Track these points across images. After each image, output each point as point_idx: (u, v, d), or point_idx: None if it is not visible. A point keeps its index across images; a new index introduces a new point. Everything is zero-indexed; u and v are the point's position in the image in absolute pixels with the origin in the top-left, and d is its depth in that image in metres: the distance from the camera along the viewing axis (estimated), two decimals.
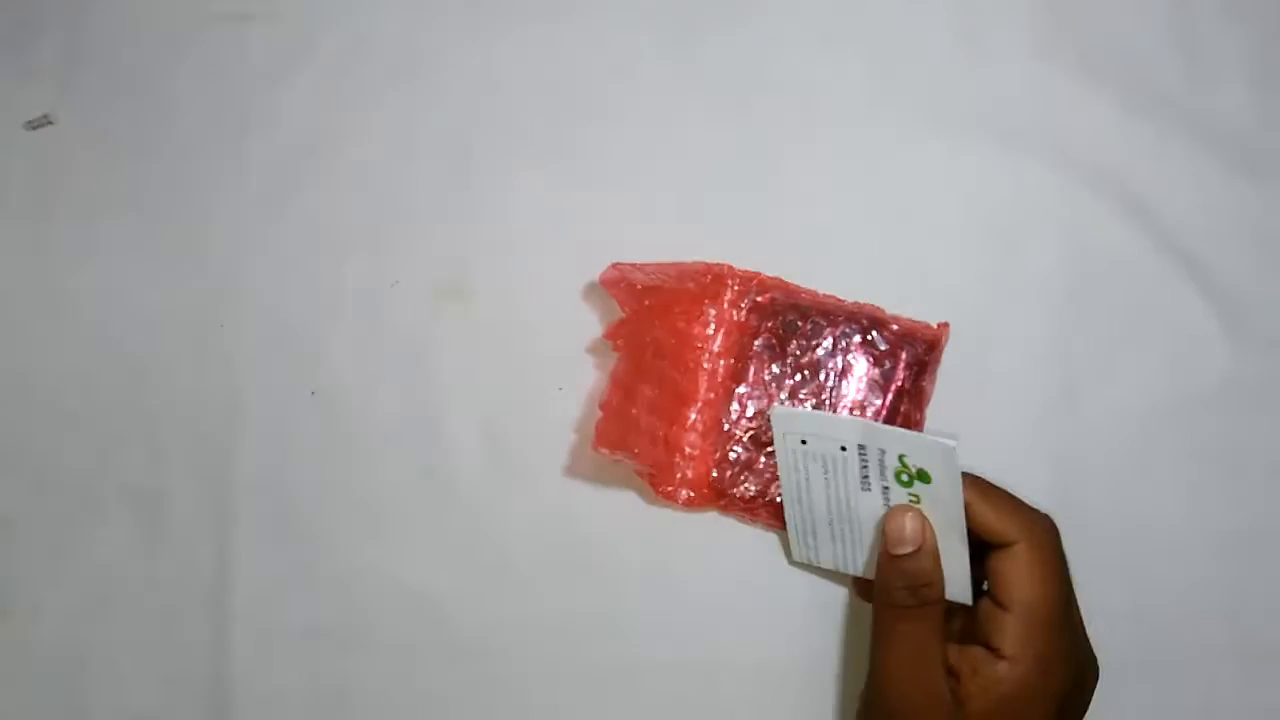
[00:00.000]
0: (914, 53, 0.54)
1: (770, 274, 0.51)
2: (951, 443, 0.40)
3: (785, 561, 0.50)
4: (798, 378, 0.49)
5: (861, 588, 0.48)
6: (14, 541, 0.52)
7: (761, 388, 0.49)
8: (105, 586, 0.52)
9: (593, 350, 0.52)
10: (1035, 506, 0.43)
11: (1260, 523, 0.51)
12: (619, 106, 0.54)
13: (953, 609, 0.43)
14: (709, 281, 0.49)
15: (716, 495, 0.49)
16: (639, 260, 0.50)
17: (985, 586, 0.43)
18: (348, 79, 0.55)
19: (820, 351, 0.49)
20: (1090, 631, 0.44)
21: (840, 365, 0.49)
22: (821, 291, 0.50)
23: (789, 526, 0.47)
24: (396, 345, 0.53)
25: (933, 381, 0.49)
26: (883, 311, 0.50)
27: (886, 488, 0.43)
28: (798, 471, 0.45)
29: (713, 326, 0.50)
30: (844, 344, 0.49)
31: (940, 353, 0.49)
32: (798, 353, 0.49)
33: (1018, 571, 0.40)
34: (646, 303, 0.49)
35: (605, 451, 0.48)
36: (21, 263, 0.54)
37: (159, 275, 0.54)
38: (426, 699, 0.50)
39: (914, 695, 0.40)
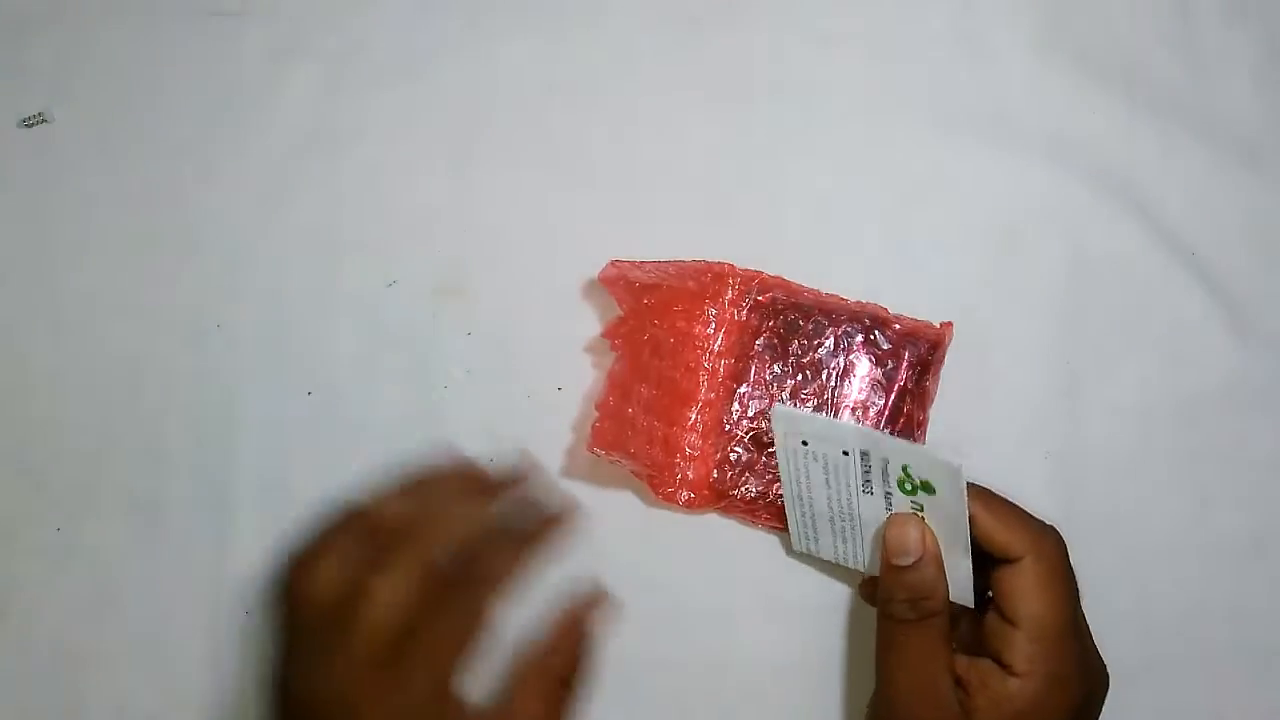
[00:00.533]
0: (915, 52, 0.54)
1: (771, 273, 0.50)
2: (958, 463, 0.39)
3: (786, 561, 0.50)
4: (799, 377, 0.49)
5: (866, 590, 0.47)
6: (11, 542, 0.52)
7: (763, 388, 0.49)
8: (103, 587, 0.51)
9: (592, 349, 0.52)
10: (1041, 519, 0.42)
11: (1263, 523, 0.51)
12: (619, 106, 0.54)
13: (959, 615, 0.43)
14: (709, 280, 0.49)
15: (717, 497, 0.49)
16: (639, 259, 0.50)
17: (989, 595, 0.43)
18: (346, 77, 0.55)
19: (822, 351, 0.49)
20: (1092, 633, 0.44)
21: (842, 365, 0.49)
22: (823, 291, 0.50)
23: (789, 518, 0.47)
24: (395, 345, 0.53)
25: (936, 381, 0.49)
26: (885, 311, 0.49)
27: (889, 493, 0.42)
28: (798, 470, 0.44)
29: (713, 326, 0.49)
30: (846, 344, 0.49)
31: (943, 352, 0.49)
32: (799, 352, 0.49)
33: (1026, 587, 0.39)
34: (645, 301, 0.49)
35: (600, 452, 0.48)
36: (17, 262, 0.54)
37: (155, 274, 0.54)
38: None
39: (920, 707, 0.39)
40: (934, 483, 0.40)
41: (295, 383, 0.53)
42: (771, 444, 0.49)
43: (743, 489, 0.49)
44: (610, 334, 0.50)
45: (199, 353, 0.53)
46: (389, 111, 0.54)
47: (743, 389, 0.49)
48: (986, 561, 0.41)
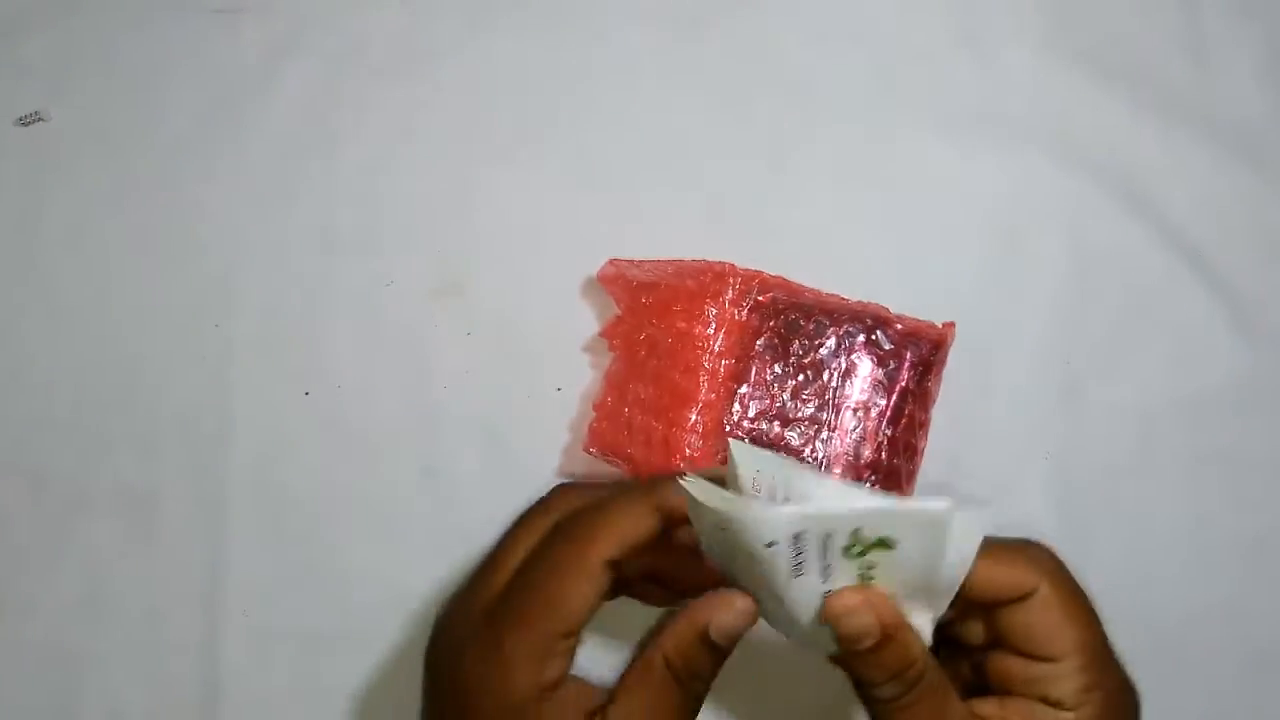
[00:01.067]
0: (917, 50, 0.54)
1: (772, 273, 0.50)
2: (940, 506, 0.32)
3: None
4: (801, 378, 0.49)
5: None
6: (5, 540, 0.51)
7: (764, 388, 0.49)
8: (97, 586, 0.51)
9: (590, 349, 0.52)
10: (1026, 539, 0.38)
11: (1265, 524, 0.51)
12: (618, 105, 0.54)
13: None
14: (709, 280, 0.49)
15: None
16: (638, 258, 0.50)
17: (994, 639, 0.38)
18: (343, 76, 0.55)
19: (824, 351, 0.49)
20: None
21: (844, 365, 0.49)
22: (824, 291, 0.50)
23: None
24: (393, 344, 0.53)
25: (938, 382, 0.49)
26: (887, 311, 0.49)
27: (828, 566, 0.34)
28: (712, 546, 0.36)
29: (713, 326, 0.49)
30: (848, 344, 0.49)
31: (946, 353, 0.49)
32: (800, 353, 0.49)
33: (1054, 617, 0.36)
34: (644, 300, 0.49)
35: (595, 453, 0.47)
36: (13, 260, 0.54)
37: (152, 273, 0.53)
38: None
39: None
40: (895, 538, 0.33)
41: (293, 383, 0.52)
42: (773, 444, 0.49)
43: None
44: (608, 334, 0.50)
45: (197, 352, 0.53)
46: (388, 110, 0.54)
47: (743, 389, 0.49)
48: (973, 607, 0.37)
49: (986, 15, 0.55)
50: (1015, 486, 0.51)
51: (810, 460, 0.48)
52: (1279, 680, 0.50)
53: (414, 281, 0.53)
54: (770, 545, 0.32)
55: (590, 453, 0.49)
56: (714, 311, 0.49)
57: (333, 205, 0.54)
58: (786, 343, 0.49)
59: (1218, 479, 0.51)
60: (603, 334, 0.50)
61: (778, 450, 0.48)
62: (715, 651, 0.35)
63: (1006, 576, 0.36)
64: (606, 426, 0.49)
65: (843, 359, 0.49)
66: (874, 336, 0.49)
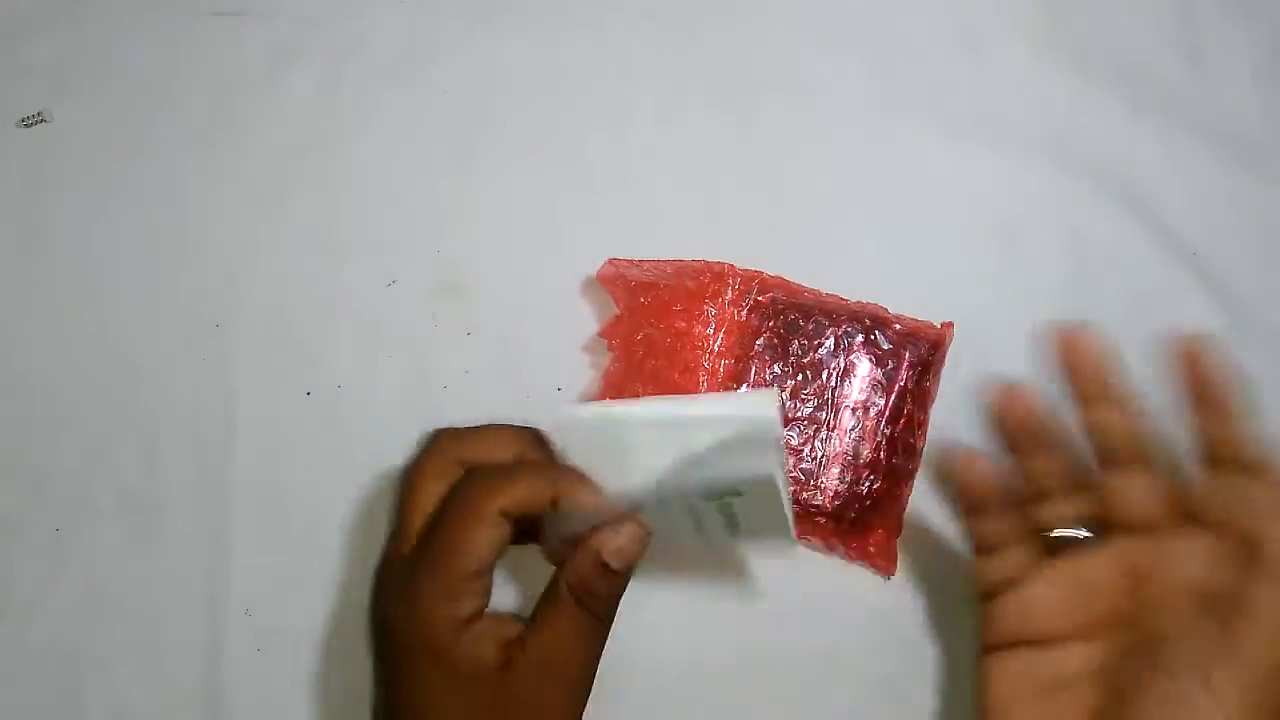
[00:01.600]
0: (915, 52, 0.54)
1: (771, 273, 0.50)
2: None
3: (790, 561, 0.49)
4: (800, 378, 0.49)
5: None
6: (9, 542, 0.52)
7: (763, 388, 0.49)
8: (100, 588, 0.51)
9: (590, 349, 0.52)
10: None
11: None
12: (619, 106, 0.54)
13: None
14: (709, 280, 0.49)
15: None
16: (638, 258, 0.50)
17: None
18: (345, 77, 0.55)
19: (822, 351, 0.49)
20: None
21: (843, 365, 0.49)
22: (823, 291, 0.50)
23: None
24: (394, 345, 0.53)
25: (937, 382, 0.49)
26: (886, 311, 0.49)
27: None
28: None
29: (713, 326, 0.49)
30: (846, 344, 0.49)
31: (944, 353, 0.49)
32: (800, 353, 0.49)
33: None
34: (642, 300, 0.49)
35: None
36: (15, 262, 0.54)
37: (154, 275, 0.53)
38: None
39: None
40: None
41: (294, 383, 0.52)
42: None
43: None
44: (607, 334, 0.50)
45: (198, 353, 0.53)
46: (389, 111, 0.54)
47: (743, 389, 0.49)
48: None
49: (985, 16, 0.55)
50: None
51: (810, 459, 0.48)
52: None
53: (415, 282, 0.53)
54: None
55: None
56: (713, 311, 0.49)
57: (333, 205, 0.54)
58: (786, 343, 0.49)
59: None
60: (601, 334, 0.50)
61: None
62: (612, 574, 0.38)
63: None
64: None
65: (841, 359, 0.49)
66: (873, 337, 0.49)
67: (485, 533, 0.38)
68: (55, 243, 0.54)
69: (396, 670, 0.38)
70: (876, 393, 0.49)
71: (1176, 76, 0.54)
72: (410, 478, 0.41)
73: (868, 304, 0.50)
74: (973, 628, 0.43)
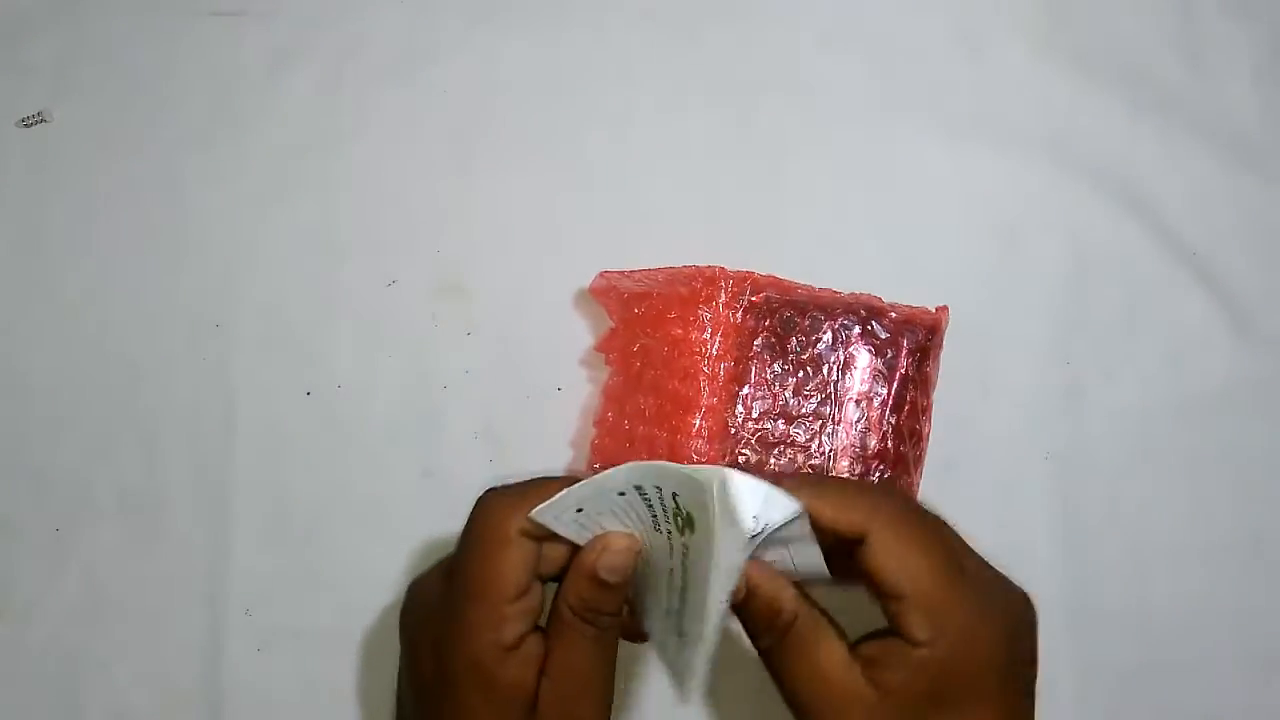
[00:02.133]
0: (915, 52, 0.54)
1: (770, 273, 0.50)
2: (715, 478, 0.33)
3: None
4: (801, 374, 0.49)
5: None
6: (10, 542, 0.52)
7: (765, 387, 0.49)
8: (101, 587, 0.51)
9: (587, 363, 0.52)
10: (880, 481, 0.40)
11: (1263, 523, 0.51)
12: (619, 106, 0.54)
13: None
14: (701, 285, 0.49)
15: None
16: (637, 260, 0.50)
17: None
18: (345, 77, 0.55)
19: (821, 346, 0.49)
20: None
21: (842, 358, 0.49)
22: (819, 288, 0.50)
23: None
24: (394, 345, 0.53)
25: (936, 366, 0.49)
26: (880, 300, 0.49)
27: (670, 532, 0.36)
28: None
29: (709, 330, 0.49)
30: (844, 336, 0.49)
31: (941, 337, 0.49)
32: (798, 349, 0.49)
33: (886, 558, 0.36)
34: (636, 310, 0.49)
35: (599, 468, 0.47)
36: (16, 262, 0.54)
37: (154, 274, 0.53)
38: None
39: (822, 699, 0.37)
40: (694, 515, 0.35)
41: (294, 383, 0.52)
42: (778, 443, 0.49)
43: None
44: (604, 347, 0.50)
45: (198, 353, 0.53)
46: (389, 111, 0.54)
47: (745, 391, 0.49)
48: (843, 546, 0.38)
49: (985, 16, 0.55)
50: (1015, 486, 0.51)
51: (818, 454, 0.49)
52: (1279, 680, 0.50)
53: (415, 282, 0.53)
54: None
55: (595, 469, 0.49)
56: (709, 316, 0.49)
57: (333, 205, 0.54)
58: (784, 340, 0.49)
59: (1217, 479, 0.51)
60: (598, 348, 0.50)
61: (784, 448, 0.48)
62: (609, 588, 0.37)
63: (839, 519, 0.36)
64: (609, 442, 0.49)
65: (841, 352, 0.49)
66: (870, 327, 0.49)
67: (510, 556, 0.37)
68: (55, 243, 0.54)
69: (439, 692, 0.38)
70: (879, 382, 0.49)
71: (1176, 76, 0.54)
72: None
73: (861, 295, 0.49)
74: None
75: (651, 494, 0.36)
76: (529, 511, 0.37)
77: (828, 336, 0.49)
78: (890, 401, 0.49)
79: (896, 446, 0.48)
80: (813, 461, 0.48)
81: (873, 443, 0.48)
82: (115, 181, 0.54)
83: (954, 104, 0.54)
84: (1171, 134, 0.54)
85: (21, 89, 0.55)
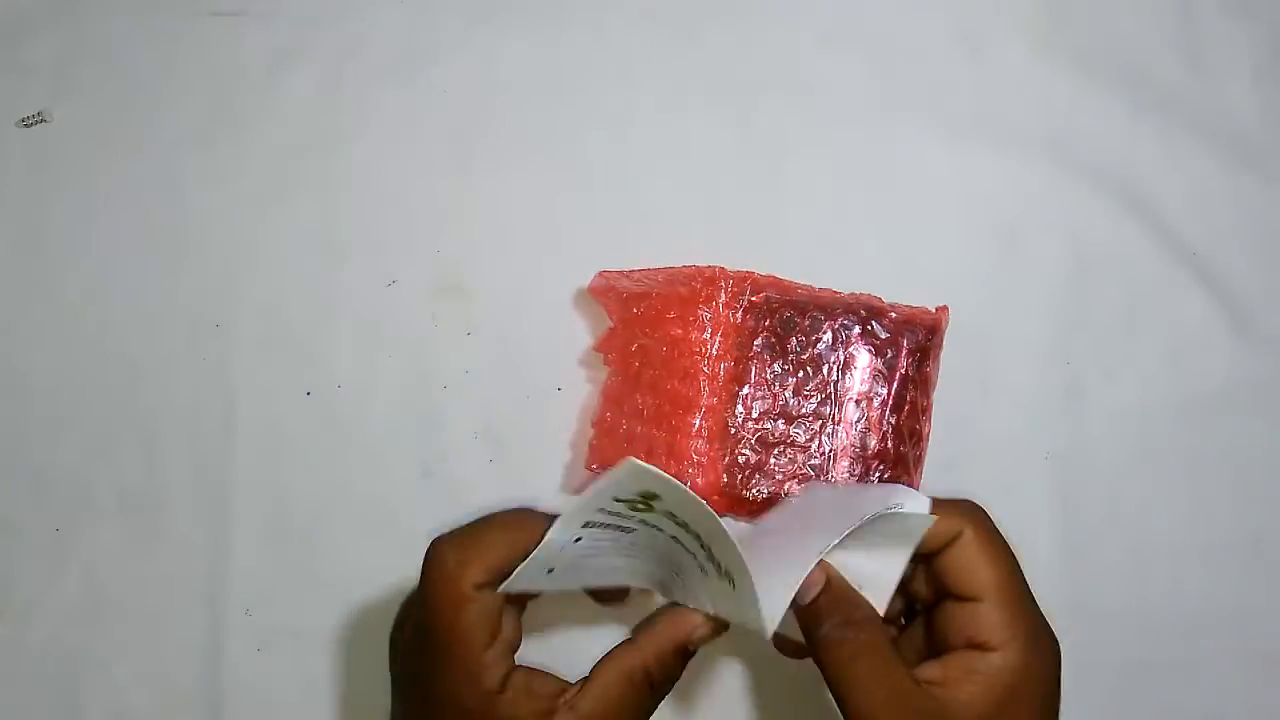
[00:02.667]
0: (915, 52, 0.54)
1: (770, 273, 0.50)
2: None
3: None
4: (801, 374, 0.49)
5: (784, 646, 0.44)
6: (10, 542, 0.52)
7: (765, 387, 0.49)
8: (101, 587, 0.51)
9: (586, 363, 0.52)
10: (959, 499, 0.40)
11: (1263, 523, 0.51)
12: (619, 106, 0.54)
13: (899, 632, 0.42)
14: (700, 285, 0.49)
15: (729, 502, 0.48)
16: (637, 260, 0.50)
17: (936, 591, 0.40)
18: (345, 77, 0.55)
19: (821, 346, 0.49)
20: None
21: (842, 358, 0.49)
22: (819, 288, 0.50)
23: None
24: (394, 345, 0.53)
25: (936, 366, 0.49)
26: (880, 300, 0.49)
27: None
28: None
29: (709, 330, 0.49)
30: (844, 336, 0.49)
31: (941, 337, 0.49)
32: (798, 349, 0.49)
33: (972, 558, 0.38)
34: (635, 310, 0.49)
35: (598, 469, 0.47)
36: (16, 262, 0.54)
37: (154, 275, 0.54)
38: None
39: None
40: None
41: (294, 383, 0.52)
42: (778, 443, 0.49)
43: (754, 491, 0.48)
44: (602, 347, 0.50)
45: (198, 353, 0.53)
46: (389, 111, 0.54)
47: (744, 390, 0.49)
48: (917, 560, 0.39)
49: (985, 16, 0.55)
50: (1015, 486, 0.51)
51: (818, 454, 0.49)
52: (1277, 678, 0.50)
53: (415, 282, 0.53)
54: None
55: (593, 470, 0.49)
56: (708, 315, 0.49)
57: (333, 205, 0.54)
58: (783, 340, 0.49)
59: (1217, 478, 0.51)
60: (597, 348, 0.50)
61: (784, 448, 0.48)
62: (686, 658, 0.39)
63: (940, 525, 0.38)
64: (607, 442, 0.49)
65: (841, 352, 0.49)
66: (869, 327, 0.49)
67: (471, 613, 0.37)
68: (55, 243, 0.54)
69: None
70: (878, 382, 0.49)
71: (1176, 76, 0.54)
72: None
73: (861, 295, 0.50)
74: None
75: (604, 505, 0.36)
76: (483, 566, 0.37)
77: (828, 336, 0.49)
78: (890, 401, 0.49)
79: (896, 446, 0.48)
80: (812, 462, 0.49)
81: (873, 443, 0.48)
82: (115, 181, 0.54)
83: (954, 104, 0.54)
84: (1171, 134, 0.54)
85: (21, 89, 0.55)
